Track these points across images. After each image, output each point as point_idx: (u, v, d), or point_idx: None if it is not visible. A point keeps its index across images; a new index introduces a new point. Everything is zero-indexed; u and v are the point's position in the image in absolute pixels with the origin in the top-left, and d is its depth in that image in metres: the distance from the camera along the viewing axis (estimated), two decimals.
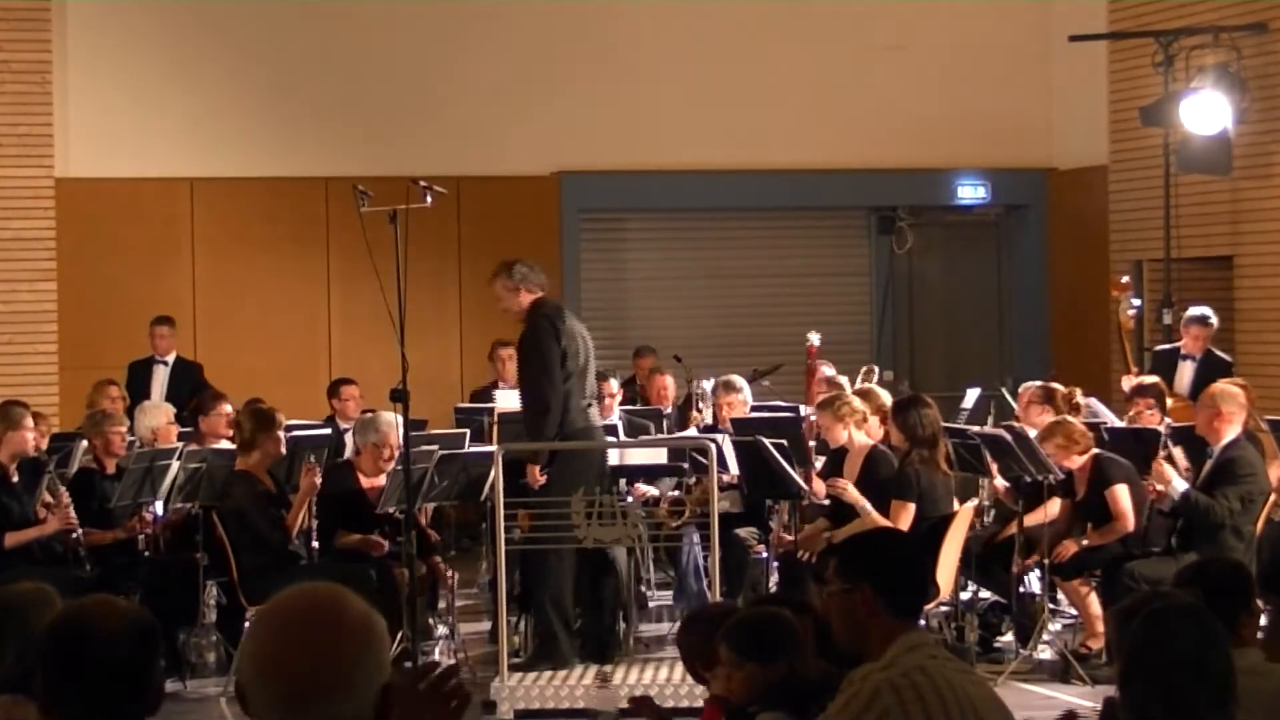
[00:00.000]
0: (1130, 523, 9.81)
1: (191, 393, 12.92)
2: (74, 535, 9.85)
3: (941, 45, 16.56)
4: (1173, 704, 3.68)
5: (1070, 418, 10.29)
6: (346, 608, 2.75)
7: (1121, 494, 9.78)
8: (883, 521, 9.65)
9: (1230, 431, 9.72)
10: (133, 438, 11.03)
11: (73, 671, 3.12)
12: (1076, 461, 9.90)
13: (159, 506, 10.34)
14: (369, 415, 10.95)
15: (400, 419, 9.59)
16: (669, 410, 12.87)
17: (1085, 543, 9.90)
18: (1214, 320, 12.69)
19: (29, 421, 10.15)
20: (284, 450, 10.18)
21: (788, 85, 16.31)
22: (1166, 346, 13.01)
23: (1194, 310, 12.85)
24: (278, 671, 2.70)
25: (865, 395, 10.78)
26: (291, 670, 2.70)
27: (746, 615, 5.15)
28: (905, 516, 9.64)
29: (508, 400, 11.71)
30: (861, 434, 10.18)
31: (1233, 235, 14.63)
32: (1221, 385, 10.27)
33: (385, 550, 9.95)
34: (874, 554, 4.45)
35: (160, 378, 13.68)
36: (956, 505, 9.96)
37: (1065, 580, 10.06)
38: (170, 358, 13.87)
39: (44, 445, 10.65)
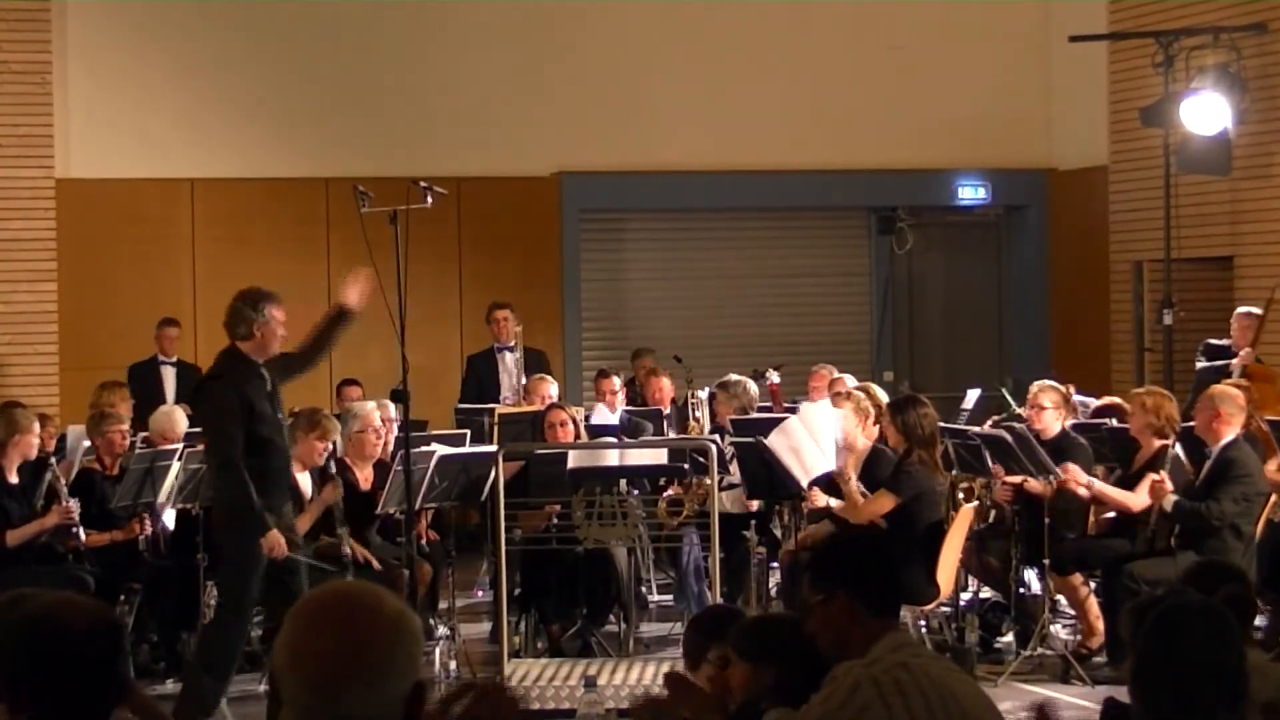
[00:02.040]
0: (1135, 508, 9.87)
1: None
2: (73, 530, 9.86)
3: (941, 45, 16.56)
4: (1185, 703, 3.68)
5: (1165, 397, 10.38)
6: (384, 601, 2.81)
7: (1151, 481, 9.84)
8: (865, 514, 9.65)
9: (1229, 433, 9.72)
10: (133, 437, 11.03)
11: (42, 669, 3.13)
12: (1154, 443, 9.98)
13: (168, 518, 10.32)
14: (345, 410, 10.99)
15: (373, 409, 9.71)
16: (668, 410, 12.89)
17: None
18: (1255, 309, 12.83)
19: (36, 426, 10.16)
20: (320, 460, 10.10)
21: (788, 85, 16.32)
22: (1221, 342, 12.97)
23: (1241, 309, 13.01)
24: (310, 657, 2.75)
25: (864, 392, 10.80)
26: (324, 655, 2.74)
27: (751, 616, 5.18)
28: (884, 506, 9.60)
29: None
30: (864, 436, 10.19)
31: (1232, 235, 14.64)
32: (1220, 387, 10.29)
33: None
34: (845, 559, 4.45)
35: (170, 379, 13.70)
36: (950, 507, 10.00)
37: (1061, 576, 10.08)
38: (174, 359, 13.91)
39: (51, 447, 10.65)
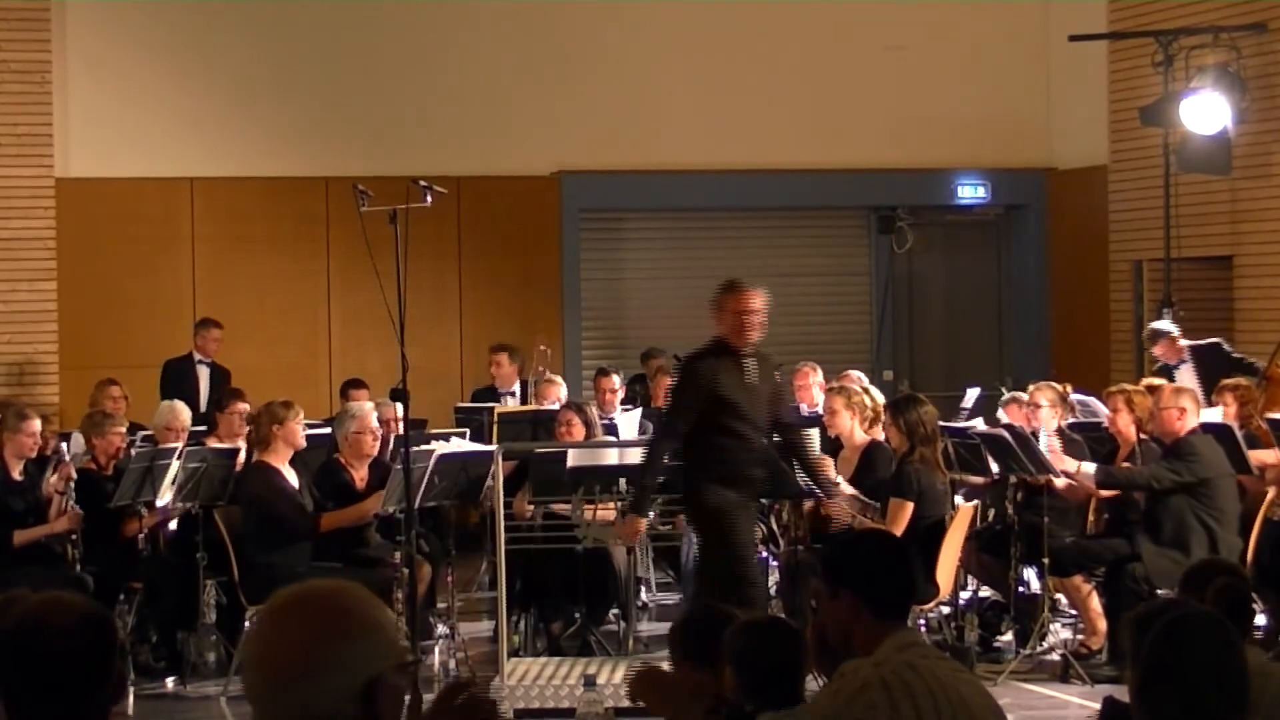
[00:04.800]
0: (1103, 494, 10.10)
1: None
2: (73, 538, 9.88)
3: (941, 45, 16.56)
4: (1192, 712, 3.67)
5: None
6: (337, 596, 2.85)
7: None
8: (869, 524, 9.63)
9: (1187, 425, 9.80)
10: (132, 438, 11.04)
11: (34, 670, 3.13)
12: (1133, 438, 10.10)
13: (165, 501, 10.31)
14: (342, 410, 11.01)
15: (370, 410, 9.93)
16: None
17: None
18: (1170, 329, 12.87)
19: (34, 425, 10.14)
20: (303, 442, 10.20)
21: (788, 85, 16.32)
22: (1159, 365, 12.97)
23: (1152, 326, 13.09)
24: (254, 655, 2.83)
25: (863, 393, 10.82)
26: (265, 648, 2.81)
27: (739, 620, 5.11)
28: (904, 516, 9.61)
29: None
30: (861, 431, 10.22)
31: (1232, 235, 14.64)
32: (1174, 385, 10.43)
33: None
34: (856, 558, 4.43)
35: (204, 379, 13.72)
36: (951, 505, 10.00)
37: (1061, 578, 10.09)
38: (210, 359, 13.92)
39: (49, 450, 10.66)
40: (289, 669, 2.77)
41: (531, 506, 10.35)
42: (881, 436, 10.31)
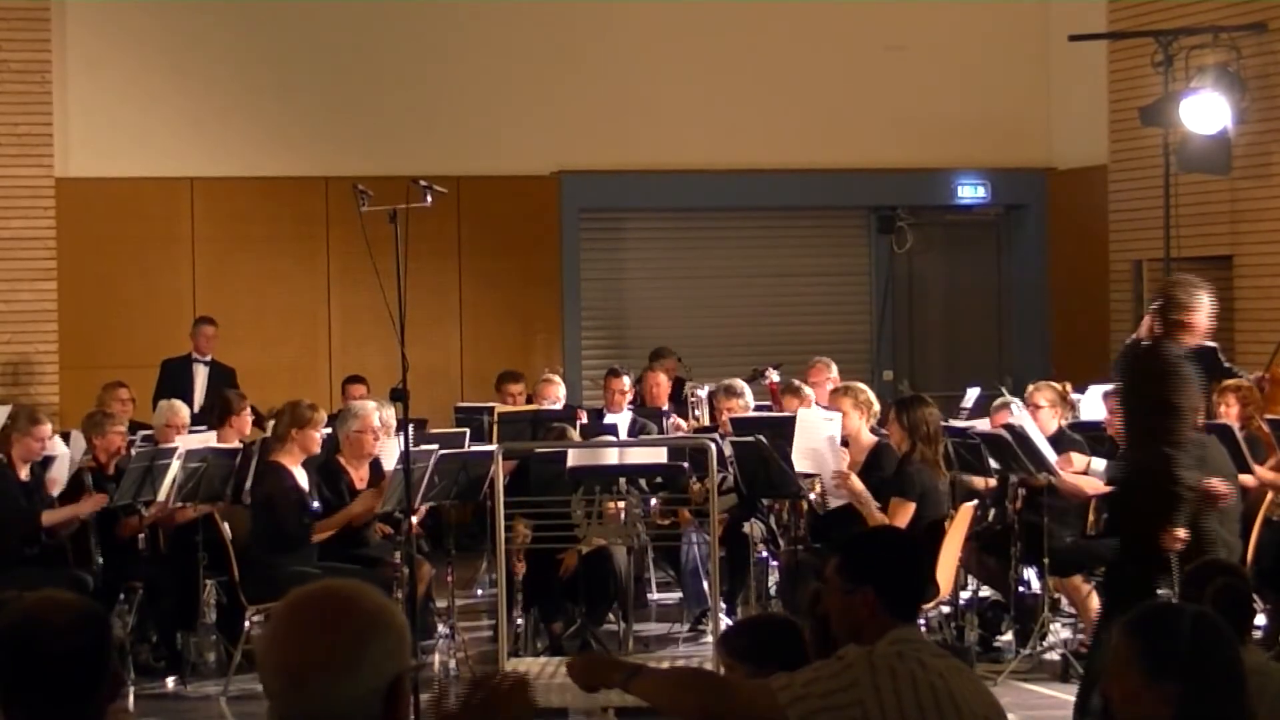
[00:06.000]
0: (1090, 492, 10.04)
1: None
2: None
3: (941, 45, 16.57)
4: (1197, 712, 3.69)
5: None
6: (359, 595, 2.87)
7: None
8: (881, 517, 9.66)
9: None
10: (132, 437, 11.05)
11: (28, 669, 3.13)
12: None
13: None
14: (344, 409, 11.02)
15: (373, 409, 9.96)
16: (666, 407, 12.90)
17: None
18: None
19: (45, 430, 10.15)
20: (318, 448, 10.19)
21: (788, 85, 16.32)
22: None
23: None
24: (279, 647, 2.83)
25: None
26: (291, 645, 2.81)
27: (743, 618, 5.16)
28: (904, 515, 9.63)
29: None
30: (868, 430, 10.23)
31: (1232, 235, 14.64)
32: None
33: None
34: (878, 557, 4.45)
35: (201, 377, 13.72)
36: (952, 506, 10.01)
37: (1061, 577, 10.09)
38: (208, 358, 13.92)
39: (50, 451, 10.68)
40: (313, 666, 2.78)
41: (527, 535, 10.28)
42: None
